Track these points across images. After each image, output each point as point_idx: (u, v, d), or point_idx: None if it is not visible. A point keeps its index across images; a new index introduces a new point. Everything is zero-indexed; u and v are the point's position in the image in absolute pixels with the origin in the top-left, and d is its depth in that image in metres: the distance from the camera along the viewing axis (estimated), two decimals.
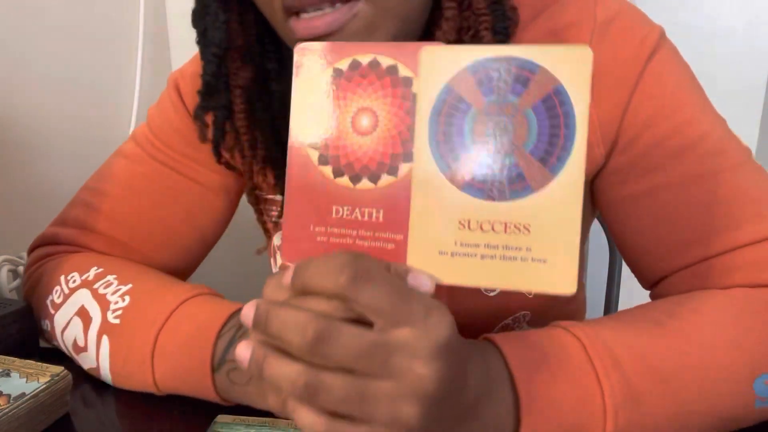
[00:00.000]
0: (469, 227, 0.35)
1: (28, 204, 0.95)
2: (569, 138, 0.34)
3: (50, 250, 0.62)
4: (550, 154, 0.35)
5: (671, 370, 0.41)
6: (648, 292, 0.57)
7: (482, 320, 0.57)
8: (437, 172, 0.36)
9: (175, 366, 0.48)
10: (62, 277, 0.56)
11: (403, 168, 0.36)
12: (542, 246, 0.35)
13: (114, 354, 0.50)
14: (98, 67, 1.09)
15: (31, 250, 0.65)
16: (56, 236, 0.62)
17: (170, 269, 0.62)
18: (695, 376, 0.42)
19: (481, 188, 0.35)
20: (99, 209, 0.61)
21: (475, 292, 0.55)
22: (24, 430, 0.44)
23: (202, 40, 0.52)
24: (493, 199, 0.35)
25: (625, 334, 0.43)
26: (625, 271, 0.75)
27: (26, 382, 0.46)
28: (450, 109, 0.35)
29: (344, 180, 0.37)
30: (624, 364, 0.41)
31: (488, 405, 0.39)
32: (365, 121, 0.37)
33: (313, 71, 0.37)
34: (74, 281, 0.55)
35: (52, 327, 0.55)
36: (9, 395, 0.44)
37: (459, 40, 0.50)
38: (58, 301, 0.55)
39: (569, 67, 0.34)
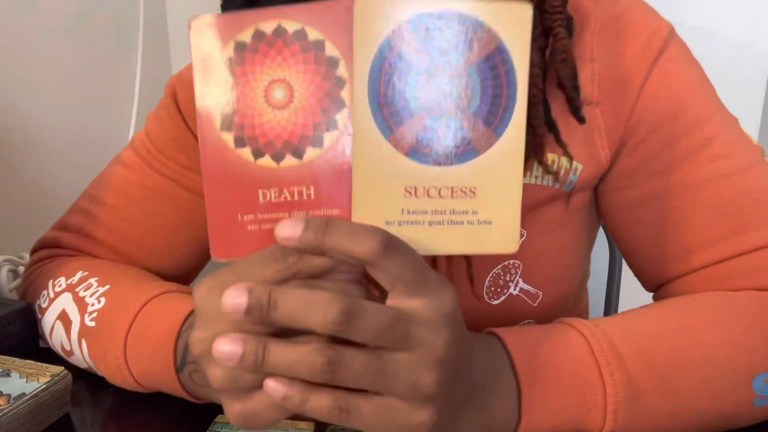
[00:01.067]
0: (415, 194, 0.34)
1: (27, 204, 0.95)
2: (511, 98, 0.33)
3: (51, 253, 0.62)
4: (493, 114, 0.33)
5: (673, 367, 0.41)
6: (649, 293, 0.57)
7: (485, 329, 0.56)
8: (380, 138, 0.33)
9: (146, 369, 0.47)
10: (50, 282, 0.56)
11: (328, 137, 0.34)
12: (488, 208, 0.34)
13: (93, 357, 0.50)
14: (98, 68, 1.09)
15: (32, 252, 0.65)
16: (58, 240, 0.62)
17: (170, 277, 0.62)
18: (696, 374, 0.41)
19: (427, 153, 0.34)
20: (97, 218, 0.61)
21: (476, 303, 0.54)
22: (24, 430, 0.44)
23: None
24: (439, 164, 0.34)
25: (629, 331, 0.42)
26: (625, 271, 0.75)
27: (26, 382, 0.46)
28: (390, 69, 0.33)
29: (266, 160, 0.34)
30: (627, 361, 0.40)
31: (494, 393, 0.39)
32: (279, 94, 0.34)
33: (211, 48, 0.33)
34: (60, 285, 0.55)
35: (42, 330, 0.56)
36: (9, 395, 0.44)
37: None
38: (44, 305, 0.55)
39: (511, 24, 0.33)
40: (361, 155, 0.34)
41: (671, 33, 0.52)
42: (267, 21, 0.33)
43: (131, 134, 1.14)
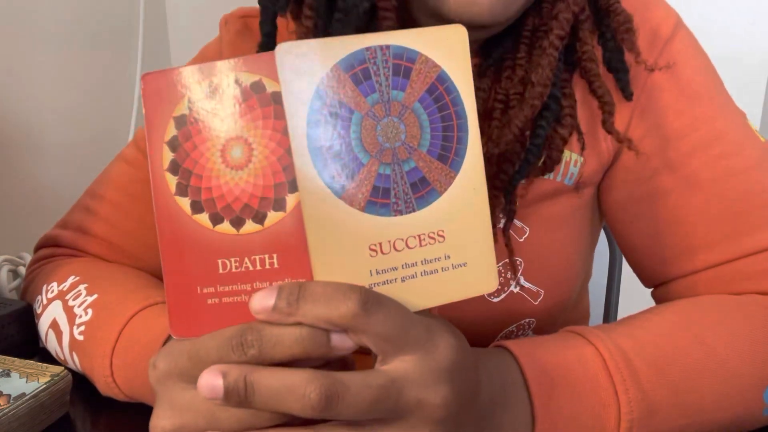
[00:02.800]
0: (381, 251, 0.31)
1: (28, 204, 0.95)
2: (462, 128, 0.31)
3: (51, 252, 0.62)
4: (447, 149, 0.31)
5: (687, 381, 0.40)
6: (648, 290, 0.56)
7: (485, 328, 0.55)
8: (331, 198, 0.30)
9: (132, 386, 0.47)
10: (44, 287, 0.56)
11: (291, 199, 0.31)
12: (460, 250, 0.32)
13: (85, 370, 0.50)
14: (98, 68, 1.09)
15: (35, 250, 0.65)
16: (57, 238, 0.62)
17: None
18: (709, 387, 0.40)
19: (385, 204, 0.31)
20: (98, 214, 0.61)
21: (477, 300, 0.54)
22: (24, 430, 0.44)
23: None
24: (400, 213, 0.31)
25: (642, 343, 0.41)
26: (625, 271, 0.75)
27: (26, 382, 0.46)
28: (330, 119, 0.30)
29: (225, 226, 0.31)
30: (642, 377, 0.39)
31: (505, 414, 0.38)
32: (237, 153, 0.31)
33: (164, 103, 0.31)
34: (52, 291, 0.54)
35: (39, 335, 0.56)
36: (9, 395, 0.44)
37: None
38: (38, 311, 0.55)
39: (447, 49, 0.30)
40: (312, 219, 0.30)
41: (678, 22, 0.51)
42: (219, 74, 0.31)
43: (131, 134, 1.14)
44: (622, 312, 0.56)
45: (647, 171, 0.50)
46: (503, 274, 0.53)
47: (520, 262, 0.53)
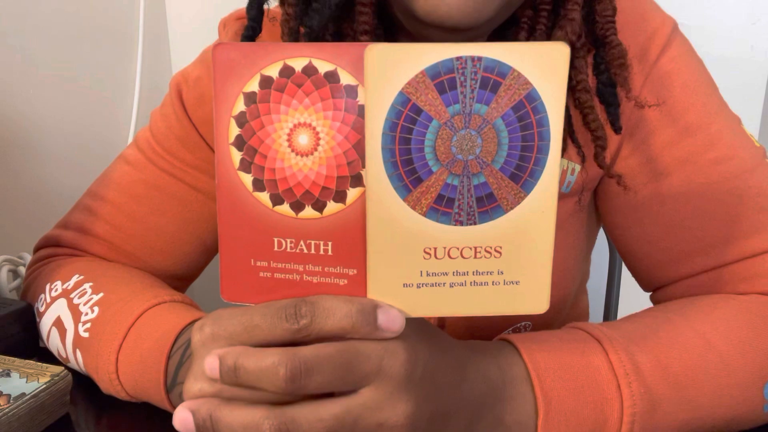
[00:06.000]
0: (435, 256, 0.32)
1: (28, 204, 0.95)
2: (543, 150, 0.30)
3: (51, 252, 0.62)
4: (522, 169, 0.31)
5: (689, 376, 0.40)
6: (648, 293, 0.57)
7: (482, 332, 0.55)
8: (395, 198, 0.31)
9: (137, 385, 0.47)
10: (47, 285, 0.55)
11: (352, 193, 0.31)
12: (515, 268, 0.32)
13: (87, 368, 0.50)
14: (98, 67, 1.09)
15: (35, 250, 0.65)
16: (58, 238, 0.62)
17: (170, 275, 0.61)
18: (710, 382, 0.41)
19: (447, 213, 0.31)
20: (99, 214, 0.61)
21: None
22: (24, 430, 0.44)
23: None
24: (461, 223, 0.31)
25: (645, 339, 0.41)
26: (625, 271, 0.75)
27: (26, 382, 0.46)
28: (407, 123, 0.30)
29: (285, 208, 0.32)
30: (644, 372, 0.39)
31: (507, 408, 0.38)
32: (304, 140, 0.31)
33: (235, 77, 0.31)
34: (56, 290, 0.54)
35: (41, 334, 0.56)
36: (9, 395, 0.44)
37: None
38: (41, 309, 0.55)
39: (544, 67, 0.29)
40: (375, 216, 0.31)
41: (674, 29, 0.51)
42: (297, 57, 0.30)
43: (131, 134, 1.14)
44: (622, 312, 0.56)
45: (643, 177, 0.51)
46: None
47: None
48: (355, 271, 0.32)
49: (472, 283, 0.32)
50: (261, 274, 0.33)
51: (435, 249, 0.32)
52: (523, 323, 0.55)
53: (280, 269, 0.33)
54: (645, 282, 0.55)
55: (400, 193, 0.31)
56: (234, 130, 0.32)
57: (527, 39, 0.48)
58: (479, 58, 0.29)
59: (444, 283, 0.32)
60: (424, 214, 0.31)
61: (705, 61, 0.54)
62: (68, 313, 0.52)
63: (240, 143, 0.32)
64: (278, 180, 0.32)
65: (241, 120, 0.31)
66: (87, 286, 0.53)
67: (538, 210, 0.31)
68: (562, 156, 0.49)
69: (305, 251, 0.32)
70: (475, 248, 0.32)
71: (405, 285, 0.32)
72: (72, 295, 0.53)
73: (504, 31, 0.49)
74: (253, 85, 0.31)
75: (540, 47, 0.29)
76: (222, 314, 0.33)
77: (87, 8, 1.06)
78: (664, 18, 0.51)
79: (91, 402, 0.50)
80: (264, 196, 0.32)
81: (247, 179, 0.32)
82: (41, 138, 0.97)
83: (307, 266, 0.32)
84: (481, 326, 0.53)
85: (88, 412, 0.50)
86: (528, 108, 0.30)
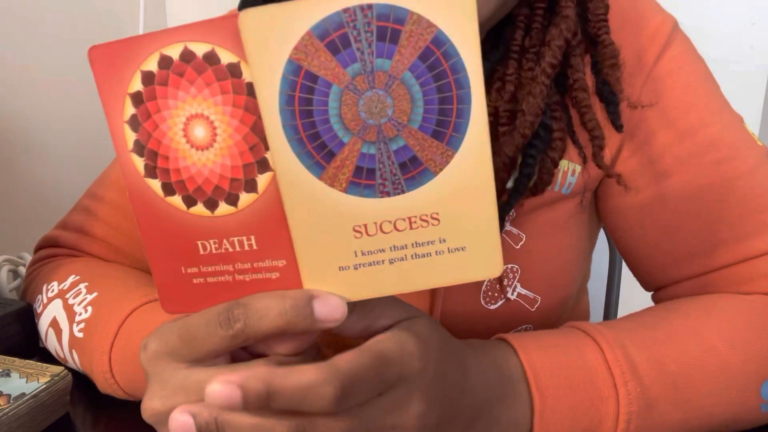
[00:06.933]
0: (367, 233, 0.29)
1: (28, 204, 0.95)
2: (464, 99, 0.26)
3: (51, 252, 0.62)
4: (444, 125, 0.27)
5: (685, 375, 0.40)
6: (648, 293, 0.57)
7: (482, 335, 0.56)
8: (310, 178, 0.28)
9: (131, 383, 0.47)
10: (44, 286, 0.56)
11: (262, 180, 0.29)
12: (457, 233, 0.29)
13: (84, 367, 0.50)
14: None
15: (35, 250, 0.65)
16: (57, 239, 0.62)
17: None
18: (707, 382, 0.40)
19: (370, 185, 0.28)
20: (98, 215, 0.61)
21: (473, 308, 0.52)
22: (24, 430, 0.44)
23: None
24: (388, 194, 0.28)
25: (641, 338, 0.41)
26: (625, 271, 0.74)
27: (26, 382, 0.46)
28: (304, 94, 0.27)
29: (199, 208, 0.30)
30: (641, 371, 0.39)
31: (503, 407, 0.38)
32: (200, 132, 0.28)
33: (117, 77, 0.28)
34: (52, 291, 0.54)
35: (39, 334, 0.56)
36: (9, 395, 0.44)
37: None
38: (39, 310, 0.55)
39: (447, 4, 0.25)
40: (292, 201, 0.28)
41: (675, 28, 0.51)
42: (171, 44, 0.27)
43: None
44: (622, 312, 0.56)
45: (645, 179, 0.50)
46: (500, 282, 0.53)
47: (517, 269, 0.52)
48: (285, 262, 0.30)
49: (414, 256, 0.29)
50: (194, 281, 0.31)
51: (365, 226, 0.29)
52: (524, 326, 0.55)
53: (211, 273, 0.31)
54: (647, 282, 0.55)
55: (313, 171, 0.28)
56: (130, 136, 0.29)
57: (523, 38, 0.47)
58: (369, 6, 0.25)
59: (383, 261, 0.29)
60: (345, 191, 0.28)
61: (705, 61, 0.54)
62: (63, 313, 0.52)
63: (139, 148, 0.30)
64: (185, 180, 0.29)
65: (134, 124, 0.29)
66: (82, 286, 0.53)
67: (471, 167, 0.28)
68: (563, 157, 0.48)
69: (230, 250, 0.30)
70: (409, 219, 0.29)
71: (341, 268, 0.30)
72: (67, 296, 0.53)
73: (500, 29, 0.49)
74: (137, 84, 0.28)
75: None
76: (163, 329, 0.32)
77: (87, 8, 1.05)
78: (664, 17, 0.51)
79: (91, 402, 0.50)
80: (176, 200, 0.30)
81: (156, 185, 0.30)
82: (41, 138, 0.97)
83: (236, 265, 0.30)
84: (480, 333, 0.53)
85: (88, 412, 0.50)
86: (438, 54, 0.26)
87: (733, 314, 0.44)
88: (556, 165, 0.47)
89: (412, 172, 0.28)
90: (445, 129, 0.27)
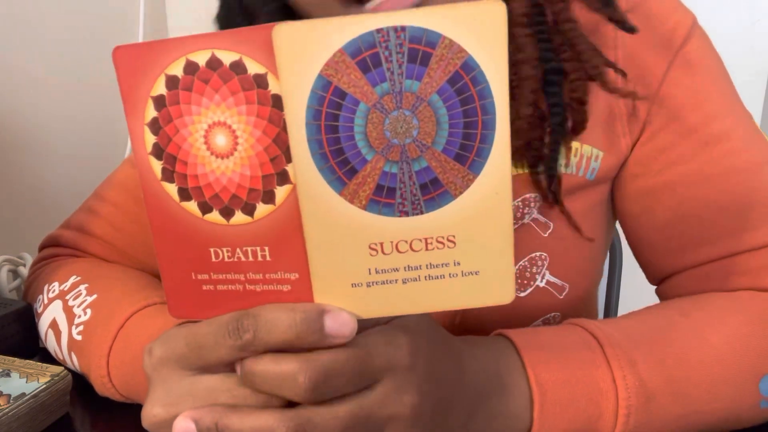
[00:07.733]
0: (383, 251, 0.29)
1: (28, 204, 0.95)
2: (489, 125, 0.27)
3: (53, 252, 0.62)
4: (467, 149, 0.27)
5: (684, 371, 0.41)
6: (652, 289, 0.57)
7: (512, 323, 0.56)
8: (330, 193, 0.28)
9: (128, 386, 0.47)
10: (45, 287, 0.56)
11: (281, 192, 0.29)
12: (472, 257, 0.29)
13: (82, 369, 0.50)
14: (98, 68, 1.09)
15: (39, 249, 0.65)
16: (59, 238, 0.63)
17: None
18: (705, 378, 0.41)
19: (389, 204, 0.28)
20: (99, 214, 0.61)
21: None
22: (24, 430, 0.44)
23: None
24: (406, 214, 0.28)
25: (640, 334, 0.42)
26: (625, 271, 0.74)
27: (26, 382, 0.46)
28: (331, 110, 0.27)
29: (215, 216, 0.30)
30: (639, 366, 0.40)
31: (502, 400, 0.38)
32: (221, 140, 0.28)
33: (140, 80, 0.28)
34: (53, 291, 0.54)
35: (39, 335, 0.56)
36: (9, 395, 0.44)
37: None
38: (39, 311, 0.55)
39: (479, 30, 0.26)
40: (310, 214, 0.28)
41: (694, 24, 0.52)
42: (198, 50, 0.27)
43: None
44: (622, 312, 0.57)
45: (657, 165, 0.51)
46: (529, 269, 0.53)
47: (546, 257, 0.53)
48: (297, 275, 0.30)
49: (427, 278, 0.30)
50: (204, 288, 0.31)
51: (381, 244, 0.29)
52: (552, 314, 0.55)
53: (221, 280, 0.31)
54: (651, 272, 0.56)
55: (334, 187, 0.28)
56: (150, 139, 0.29)
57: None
58: (403, 28, 0.26)
59: (396, 280, 0.30)
60: (364, 208, 0.28)
61: None
62: (63, 315, 0.52)
63: (158, 152, 0.29)
64: (203, 187, 0.29)
65: (154, 127, 0.29)
66: (83, 287, 0.53)
67: (491, 192, 0.28)
68: (586, 142, 0.49)
69: (243, 259, 0.30)
70: (426, 239, 0.29)
71: (353, 285, 0.30)
72: (67, 297, 0.53)
73: None
74: (160, 88, 0.28)
75: (471, 7, 0.26)
76: (170, 335, 0.32)
77: (87, 8, 1.05)
78: (686, 11, 0.52)
79: (91, 402, 0.50)
80: (192, 206, 0.30)
81: (173, 189, 0.30)
82: (41, 138, 0.97)
83: (248, 275, 0.30)
84: (510, 320, 0.54)
85: (88, 412, 0.50)
86: (466, 79, 0.26)
87: (729, 312, 0.45)
88: (582, 102, 0.48)
89: (432, 193, 0.28)
90: (468, 153, 0.28)
